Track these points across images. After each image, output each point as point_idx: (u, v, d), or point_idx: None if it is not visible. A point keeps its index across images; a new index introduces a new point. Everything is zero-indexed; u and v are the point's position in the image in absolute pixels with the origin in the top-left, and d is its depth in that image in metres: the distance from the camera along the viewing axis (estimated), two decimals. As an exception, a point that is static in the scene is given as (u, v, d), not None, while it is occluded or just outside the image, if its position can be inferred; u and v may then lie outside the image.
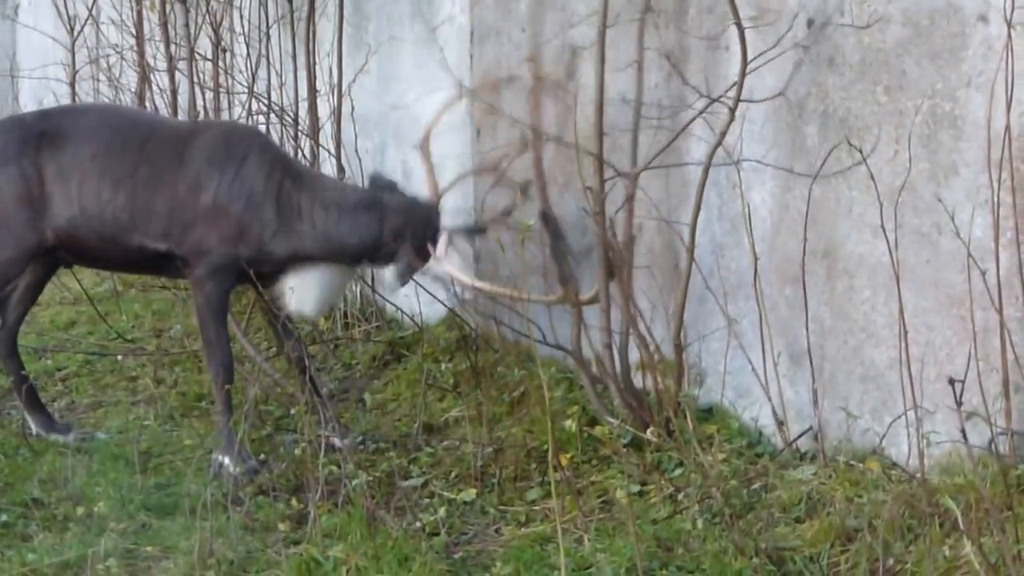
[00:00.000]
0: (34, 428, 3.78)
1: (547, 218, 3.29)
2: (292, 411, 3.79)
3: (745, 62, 2.94)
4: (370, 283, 4.56)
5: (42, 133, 3.45)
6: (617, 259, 3.19)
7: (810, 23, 2.92)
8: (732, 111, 2.98)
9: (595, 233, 3.20)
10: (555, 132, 3.34)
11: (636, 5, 3.23)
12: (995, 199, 2.54)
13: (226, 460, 3.39)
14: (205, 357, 3.54)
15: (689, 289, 3.18)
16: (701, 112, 3.07)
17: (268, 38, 4.93)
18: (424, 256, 3.38)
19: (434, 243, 3.36)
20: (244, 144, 3.46)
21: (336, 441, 3.43)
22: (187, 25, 5.00)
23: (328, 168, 4.55)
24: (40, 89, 6.80)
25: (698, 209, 3.09)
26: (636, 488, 3.02)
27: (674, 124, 3.24)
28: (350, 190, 3.70)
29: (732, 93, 2.99)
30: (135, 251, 3.43)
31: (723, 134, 3.02)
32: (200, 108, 5.08)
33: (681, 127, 3.19)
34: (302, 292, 3.43)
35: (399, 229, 3.37)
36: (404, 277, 3.40)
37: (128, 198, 3.38)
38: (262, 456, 3.51)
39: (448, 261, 3.36)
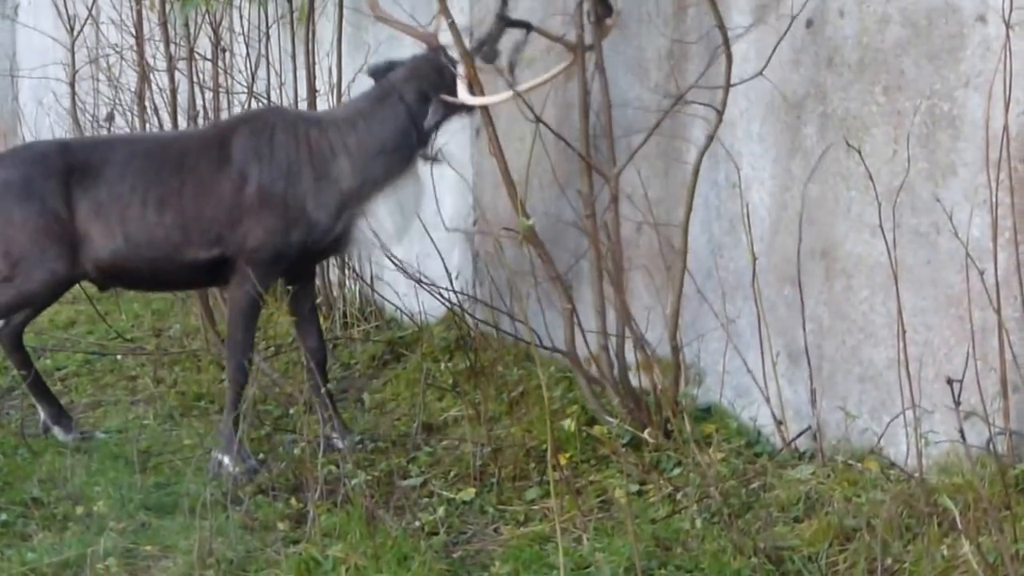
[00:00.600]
0: (42, 415, 3.78)
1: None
2: (291, 411, 3.79)
3: (730, 66, 2.95)
4: (369, 283, 4.56)
5: (68, 168, 3.40)
6: (609, 260, 3.19)
7: (809, 23, 2.93)
8: (720, 114, 2.99)
9: (587, 236, 3.21)
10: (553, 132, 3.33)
11: (637, 4, 3.24)
12: (993, 199, 2.54)
13: (226, 459, 3.39)
14: (227, 352, 3.51)
15: (688, 288, 3.19)
16: (667, 111, 3.08)
17: (268, 38, 4.93)
18: (452, 95, 3.30)
19: (453, 81, 3.29)
20: (268, 123, 3.47)
21: (337, 442, 3.43)
22: (186, 25, 5.00)
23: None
24: (40, 89, 6.80)
25: (689, 210, 3.09)
26: (635, 488, 3.03)
27: (674, 124, 3.24)
28: (358, 98, 3.67)
29: (721, 94, 3.00)
30: (187, 266, 3.41)
31: (711, 138, 3.03)
32: (200, 108, 5.08)
33: (681, 127, 3.19)
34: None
35: (418, 93, 3.34)
36: (436, 118, 3.32)
37: (177, 214, 3.36)
38: (261, 456, 3.51)
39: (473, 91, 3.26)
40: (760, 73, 2.97)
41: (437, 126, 3.36)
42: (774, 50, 2.95)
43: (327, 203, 3.35)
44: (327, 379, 3.62)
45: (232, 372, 3.44)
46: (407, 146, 3.39)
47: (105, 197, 3.37)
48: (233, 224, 3.35)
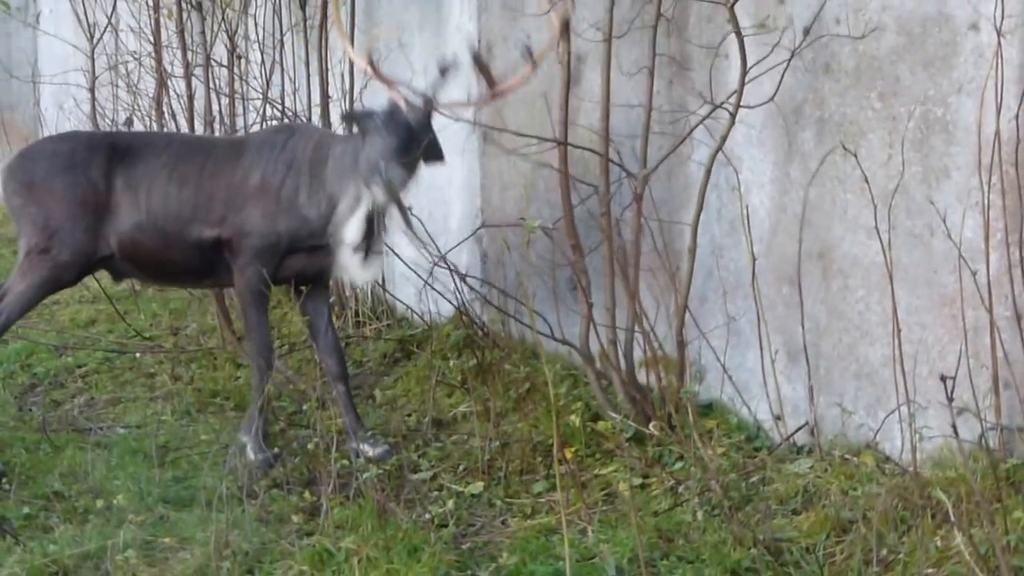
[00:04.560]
0: None
1: None
2: (304, 407, 3.85)
3: (744, 70, 3.01)
4: (381, 283, 4.63)
5: (112, 145, 3.58)
6: (623, 258, 3.25)
7: (806, 31, 2.99)
8: (732, 116, 3.04)
9: (602, 232, 3.28)
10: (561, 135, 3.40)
11: (638, 14, 3.30)
12: (985, 201, 2.61)
13: (248, 444, 3.47)
14: (247, 341, 3.62)
15: (690, 288, 3.25)
16: (705, 118, 3.14)
17: (282, 45, 5.01)
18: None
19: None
20: (292, 128, 3.68)
21: (368, 449, 3.47)
22: (203, 32, 5.09)
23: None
24: (61, 94, 6.90)
25: (700, 210, 3.16)
26: (638, 481, 3.09)
27: (675, 128, 3.31)
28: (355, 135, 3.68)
29: (732, 100, 3.06)
30: (193, 245, 3.52)
31: (724, 138, 3.09)
32: (216, 113, 5.17)
33: (683, 131, 3.26)
34: (352, 259, 3.42)
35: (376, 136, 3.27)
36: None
37: (193, 191, 3.51)
38: (276, 450, 3.54)
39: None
40: (771, 99, 3.03)
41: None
42: (783, 74, 3.00)
43: (316, 197, 3.43)
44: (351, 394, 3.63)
45: (252, 356, 3.56)
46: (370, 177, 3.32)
47: (139, 173, 3.53)
48: (237, 210, 3.47)
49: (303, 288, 3.54)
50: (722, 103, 3.09)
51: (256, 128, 5.03)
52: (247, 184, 3.49)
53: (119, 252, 3.56)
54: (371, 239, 3.39)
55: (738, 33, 2.99)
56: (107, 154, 3.55)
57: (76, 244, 3.51)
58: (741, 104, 3.03)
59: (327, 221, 3.42)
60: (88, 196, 3.50)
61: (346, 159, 3.41)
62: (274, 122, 4.97)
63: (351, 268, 3.44)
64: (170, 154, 3.58)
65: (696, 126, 3.18)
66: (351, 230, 3.36)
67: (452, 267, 3.77)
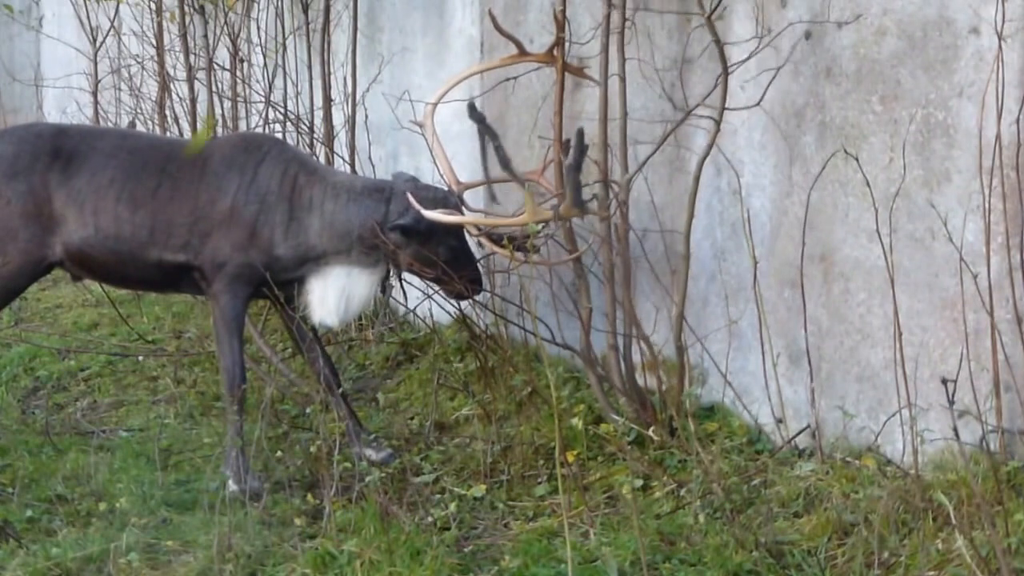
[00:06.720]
0: None
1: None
2: (308, 410, 3.86)
3: (726, 78, 3.03)
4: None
5: (55, 151, 3.42)
6: (618, 263, 3.27)
7: (808, 35, 3.01)
8: (717, 123, 3.07)
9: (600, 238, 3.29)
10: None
11: (641, 18, 3.32)
12: (986, 205, 2.62)
13: (230, 478, 3.32)
14: (220, 370, 3.49)
15: (692, 292, 3.26)
16: (679, 124, 3.16)
17: (284, 49, 5.04)
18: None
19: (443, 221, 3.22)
20: (262, 147, 3.47)
21: (371, 453, 3.46)
22: (205, 36, 5.12)
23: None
24: (63, 98, 6.94)
25: (691, 217, 3.17)
26: (640, 484, 3.10)
27: (677, 134, 3.32)
28: (361, 179, 3.67)
29: (729, 104, 3.07)
30: (152, 266, 3.42)
31: (709, 147, 3.11)
32: (218, 116, 5.19)
33: (685, 136, 3.27)
34: (323, 300, 3.40)
35: (405, 210, 3.28)
36: (401, 221, 3.24)
37: (148, 215, 3.37)
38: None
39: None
40: (758, 103, 3.05)
41: (398, 230, 3.28)
42: (771, 80, 3.03)
43: (292, 241, 3.36)
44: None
45: (223, 385, 3.43)
46: (367, 241, 3.33)
47: (83, 186, 3.37)
48: (203, 236, 3.36)
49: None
50: (693, 108, 3.10)
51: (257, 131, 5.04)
52: (214, 209, 3.35)
53: (69, 260, 3.47)
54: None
55: (717, 42, 3.02)
56: (48, 161, 3.39)
57: (21, 255, 3.41)
58: (726, 108, 3.04)
59: (300, 261, 3.37)
60: (30, 208, 3.38)
61: (339, 216, 3.31)
62: (276, 125, 5.00)
63: (322, 314, 3.41)
64: (117, 167, 3.39)
65: (670, 132, 3.18)
66: (332, 313, 3.36)
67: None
